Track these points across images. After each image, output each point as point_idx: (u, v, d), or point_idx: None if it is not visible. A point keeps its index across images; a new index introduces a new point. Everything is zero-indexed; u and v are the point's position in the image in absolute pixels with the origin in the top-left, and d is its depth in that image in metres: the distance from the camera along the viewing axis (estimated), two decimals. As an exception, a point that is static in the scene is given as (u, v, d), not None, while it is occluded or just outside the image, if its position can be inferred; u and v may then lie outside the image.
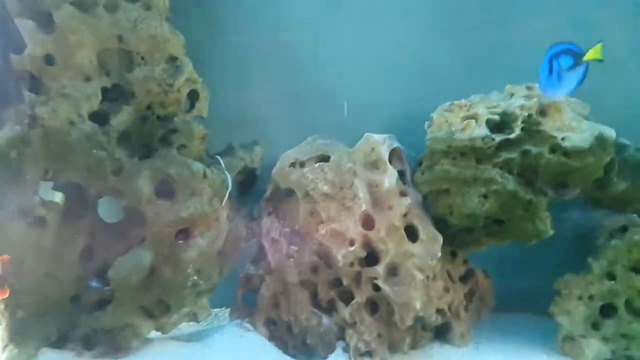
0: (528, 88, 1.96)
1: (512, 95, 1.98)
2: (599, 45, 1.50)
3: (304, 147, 1.97)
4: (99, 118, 1.66)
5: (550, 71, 1.59)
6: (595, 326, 1.78)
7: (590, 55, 1.52)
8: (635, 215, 1.89)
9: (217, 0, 2.14)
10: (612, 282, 1.78)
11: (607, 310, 1.78)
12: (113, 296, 1.61)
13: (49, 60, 1.59)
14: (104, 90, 1.68)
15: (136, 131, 1.74)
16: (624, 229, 1.84)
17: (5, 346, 1.53)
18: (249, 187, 2.06)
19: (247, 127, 2.16)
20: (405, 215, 1.80)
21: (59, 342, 1.61)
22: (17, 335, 1.54)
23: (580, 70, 1.55)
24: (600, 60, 1.52)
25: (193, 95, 1.89)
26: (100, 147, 1.61)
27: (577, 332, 1.79)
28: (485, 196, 1.80)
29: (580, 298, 1.80)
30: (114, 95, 1.71)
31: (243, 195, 2.04)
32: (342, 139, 2.03)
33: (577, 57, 1.55)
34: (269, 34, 2.16)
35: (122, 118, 1.69)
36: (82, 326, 1.63)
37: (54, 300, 1.57)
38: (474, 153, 1.81)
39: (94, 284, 1.58)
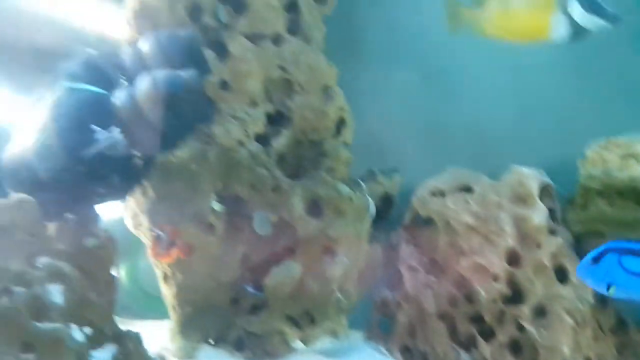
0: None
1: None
2: None
3: (445, 176, 1.98)
4: (262, 140, 1.81)
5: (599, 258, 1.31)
6: None
7: None
8: None
9: (365, 34, 2.25)
10: None
11: None
12: (267, 303, 1.72)
13: (223, 85, 1.78)
14: (267, 115, 1.84)
15: (291, 153, 1.87)
16: None
17: (173, 337, 1.70)
18: (386, 213, 2.10)
19: (386, 154, 2.22)
20: (554, 254, 1.73)
21: (216, 340, 1.75)
22: (184, 328, 1.71)
23: None
24: None
25: (340, 123, 1.99)
26: (263, 165, 1.76)
27: None
28: (647, 241, 1.68)
29: None
30: (275, 119, 1.86)
31: (380, 220, 2.09)
32: (483, 172, 2.02)
33: None
34: (413, 66, 2.22)
35: (281, 141, 1.83)
36: (237, 328, 1.75)
37: (216, 300, 1.72)
38: (633, 194, 1.70)
39: (251, 289, 1.70)
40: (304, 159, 1.89)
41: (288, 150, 1.86)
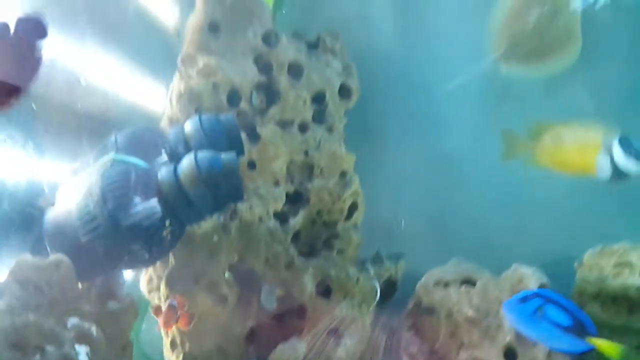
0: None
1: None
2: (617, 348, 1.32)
3: (449, 267, 2.08)
4: (281, 217, 1.93)
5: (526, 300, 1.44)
6: None
7: (603, 348, 1.32)
8: None
9: (382, 125, 2.43)
10: None
11: None
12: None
13: (251, 165, 1.92)
14: (287, 195, 1.97)
15: (306, 232, 1.98)
16: None
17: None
18: (389, 297, 2.18)
19: (393, 239, 2.34)
20: (549, 353, 1.79)
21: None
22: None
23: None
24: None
25: (353, 206, 2.12)
26: (279, 242, 1.86)
27: None
28: (638, 347, 1.76)
29: None
30: (294, 199, 1.99)
31: (382, 304, 2.16)
32: (485, 266, 2.13)
33: (578, 326, 1.39)
34: (425, 155, 2.39)
35: (297, 220, 1.95)
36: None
37: (222, 373, 1.75)
38: (626, 301, 1.80)
39: (256, 363, 1.75)
40: (317, 239, 2.00)
41: (303, 229, 1.97)
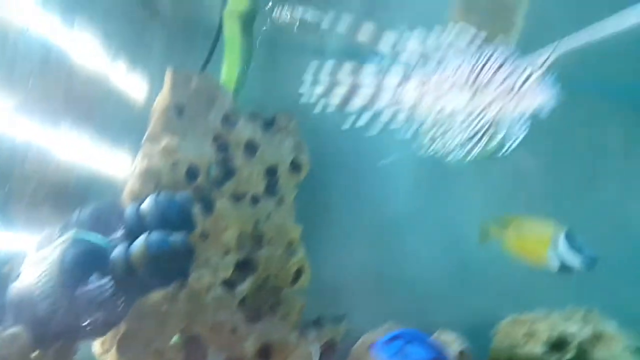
0: (587, 312, 2.21)
1: (573, 314, 2.24)
2: None
3: (382, 331, 2.28)
4: (229, 284, 2.11)
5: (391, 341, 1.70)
6: None
7: None
8: None
9: (330, 197, 2.67)
10: None
11: None
12: None
13: (204, 236, 2.12)
14: (236, 263, 2.16)
15: (252, 298, 2.17)
16: None
17: None
18: (328, 359, 2.36)
19: (337, 302, 2.54)
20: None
21: None
22: None
23: None
24: None
25: (299, 272, 2.32)
26: (226, 308, 2.04)
27: None
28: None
29: None
30: (243, 267, 2.18)
31: (323, 364, 2.34)
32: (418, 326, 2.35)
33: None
34: (367, 225, 2.63)
35: (244, 287, 2.14)
36: None
37: None
38: (532, 370, 2.04)
39: None
40: (263, 304, 2.19)
41: (250, 295, 2.16)
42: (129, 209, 1.84)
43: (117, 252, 1.65)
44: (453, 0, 2.32)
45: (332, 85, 1.64)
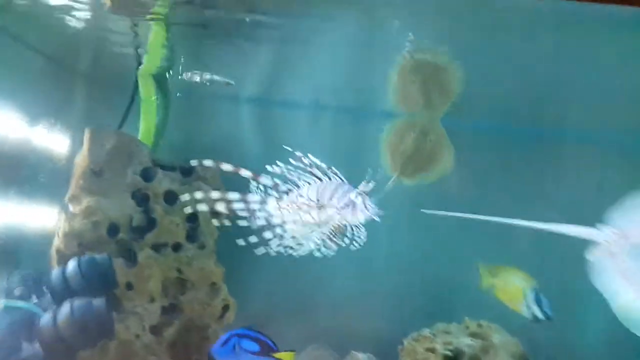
0: (479, 325, 2.56)
1: (467, 327, 2.58)
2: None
3: (307, 354, 2.54)
4: (156, 330, 2.29)
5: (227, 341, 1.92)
6: None
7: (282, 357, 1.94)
8: None
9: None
10: None
11: None
12: None
13: (129, 286, 2.27)
14: (162, 308, 2.34)
15: (180, 339, 2.35)
16: None
17: None
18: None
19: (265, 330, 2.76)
20: None
21: None
22: None
23: None
24: None
25: (225, 309, 2.53)
26: (154, 354, 2.22)
27: None
28: None
29: None
30: (169, 311, 2.36)
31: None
32: (339, 345, 2.64)
33: (264, 348, 1.97)
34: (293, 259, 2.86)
35: (171, 330, 2.32)
36: None
37: None
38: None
39: None
40: (190, 343, 2.38)
41: (177, 337, 2.34)
42: (54, 274, 1.98)
43: (45, 319, 1.80)
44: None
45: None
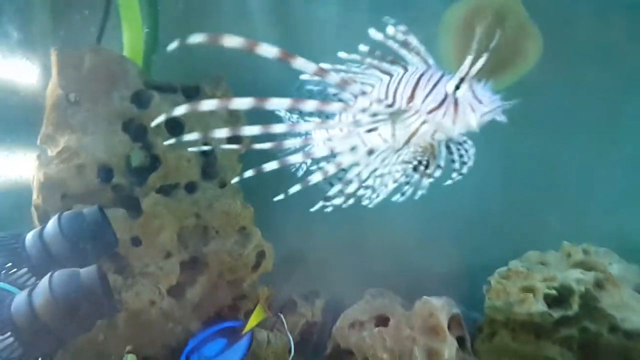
0: (584, 252, 1.98)
1: (569, 255, 2.01)
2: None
3: (363, 305, 2.05)
4: (177, 291, 1.83)
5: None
6: None
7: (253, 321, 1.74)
8: None
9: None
10: None
11: None
12: None
13: (135, 242, 1.80)
14: (182, 264, 1.87)
15: (208, 300, 1.90)
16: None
17: None
18: (308, 342, 2.14)
19: (310, 276, 2.29)
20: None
21: None
22: None
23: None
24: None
25: (260, 256, 2.04)
26: (176, 321, 1.78)
27: None
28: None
29: None
30: (190, 266, 1.89)
31: (302, 350, 2.13)
32: (399, 292, 2.14)
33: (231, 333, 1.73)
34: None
35: (196, 290, 1.86)
36: None
37: None
38: (533, 327, 1.82)
39: None
40: (222, 304, 1.92)
41: (204, 297, 1.88)
42: (28, 238, 1.49)
43: (18, 301, 1.34)
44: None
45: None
